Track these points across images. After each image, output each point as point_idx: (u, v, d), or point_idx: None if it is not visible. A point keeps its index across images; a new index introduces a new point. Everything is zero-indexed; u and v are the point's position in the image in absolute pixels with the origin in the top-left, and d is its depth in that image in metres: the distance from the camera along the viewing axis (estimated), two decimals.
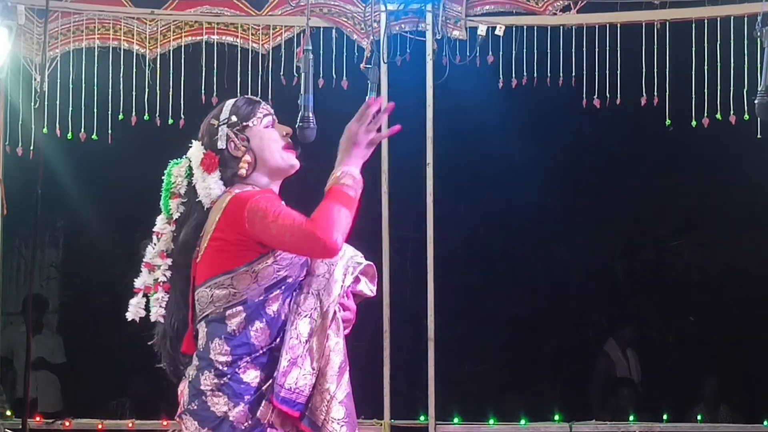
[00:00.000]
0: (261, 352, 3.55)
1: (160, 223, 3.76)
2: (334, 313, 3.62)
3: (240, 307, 3.56)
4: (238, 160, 3.69)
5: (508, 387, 8.50)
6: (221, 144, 3.69)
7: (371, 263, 3.81)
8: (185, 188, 3.72)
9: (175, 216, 3.72)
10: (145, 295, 3.78)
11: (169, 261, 3.73)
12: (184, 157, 3.77)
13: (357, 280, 3.75)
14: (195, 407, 3.58)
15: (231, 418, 3.51)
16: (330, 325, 3.60)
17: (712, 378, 8.34)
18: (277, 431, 3.54)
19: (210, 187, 3.67)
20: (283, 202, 3.62)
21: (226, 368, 3.54)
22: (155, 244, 3.75)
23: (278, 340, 3.56)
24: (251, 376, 3.53)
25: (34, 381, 8.15)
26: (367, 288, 3.80)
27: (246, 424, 3.52)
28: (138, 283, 3.77)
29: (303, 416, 3.54)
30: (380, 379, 7.09)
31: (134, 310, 3.77)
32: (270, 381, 3.53)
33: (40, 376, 8.59)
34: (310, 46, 5.83)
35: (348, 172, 3.61)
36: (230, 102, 3.78)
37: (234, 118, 3.71)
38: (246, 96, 3.86)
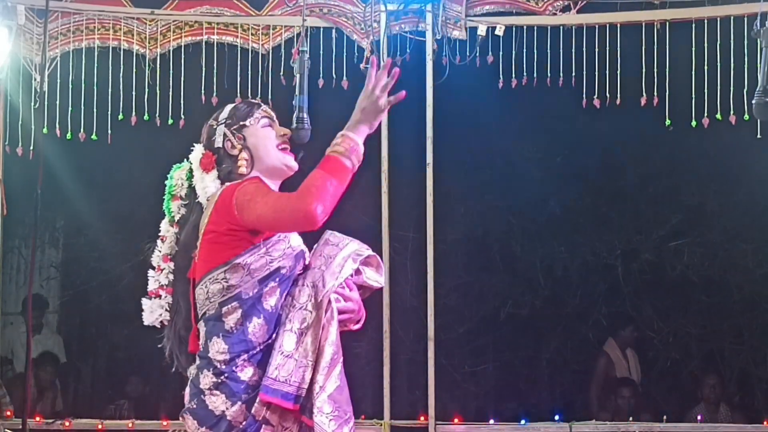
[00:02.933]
0: (258, 348, 3.57)
1: (164, 227, 3.84)
2: (329, 303, 3.61)
3: (235, 303, 3.58)
4: (234, 158, 3.74)
5: (508, 387, 8.49)
6: (218, 143, 3.76)
7: (375, 254, 3.80)
8: (186, 190, 3.80)
9: (177, 218, 3.79)
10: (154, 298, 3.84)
11: (172, 264, 3.79)
12: (185, 160, 3.84)
13: (359, 271, 3.75)
14: (194, 406, 3.60)
15: (228, 417, 3.54)
16: (324, 315, 3.59)
17: (712, 378, 8.33)
18: (272, 428, 3.55)
19: (207, 185, 3.74)
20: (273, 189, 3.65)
21: (224, 366, 3.56)
22: (160, 248, 3.82)
23: (275, 335, 3.58)
24: (248, 374, 3.55)
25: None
26: (373, 279, 3.79)
27: (243, 422, 3.54)
28: (149, 287, 3.83)
29: (303, 409, 3.54)
30: (380, 379, 7.09)
31: (147, 315, 3.83)
32: None
33: (41, 377, 8.59)
34: (305, 47, 5.83)
35: (347, 137, 3.54)
36: (230, 105, 3.86)
37: (232, 118, 3.78)
38: (246, 100, 3.93)
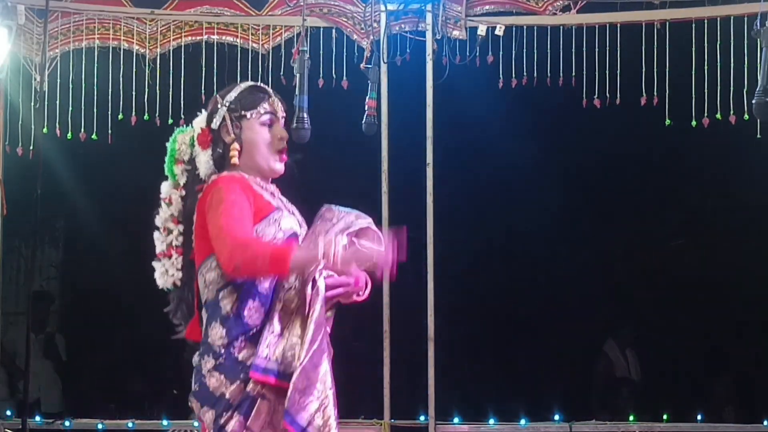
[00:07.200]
0: (255, 330, 3.62)
1: (167, 189, 3.83)
2: (314, 280, 3.63)
3: (231, 287, 3.63)
4: (227, 146, 3.76)
5: (508, 387, 8.49)
6: (216, 124, 3.79)
7: (370, 226, 3.76)
8: (188, 156, 3.82)
9: (182, 181, 3.81)
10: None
11: (181, 227, 3.80)
12: (189, 125, 3.87)
13: (353, 243, 3.70)
14: (197, 388, 3.68)
15: (227, 396, 3.61)
16: (311, 292, 3.62)
17: (711, 378, 8.34)
18: (269, 402, 3.59)
19: (201, 162, 3.78)
20: (251, 197, 3.64)
21: (222, 350, 3.63)
22: (165, 211, 3.82)
23: (270, 316, 3.63)
24: (245, 354, 3.61)
25: (36, 381, 8.15)
26: (368, 248, 3.73)
27: (240, 398, 3.60)
28: (157, 249, 3.84)
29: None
30: (380, 379, 7.09)
31: (160, 278, 3.83)
32: None
33: (43, 376, 8.60)
34: (305, 47, 5.83)
35: (312, 252, 3.55)
36: (242, 85, 3.87)
37: (236, 104, 3.79)
38: (259, 85, 3.93)
